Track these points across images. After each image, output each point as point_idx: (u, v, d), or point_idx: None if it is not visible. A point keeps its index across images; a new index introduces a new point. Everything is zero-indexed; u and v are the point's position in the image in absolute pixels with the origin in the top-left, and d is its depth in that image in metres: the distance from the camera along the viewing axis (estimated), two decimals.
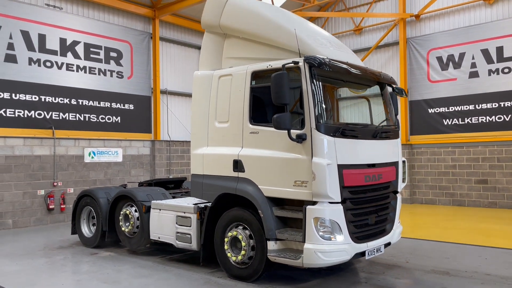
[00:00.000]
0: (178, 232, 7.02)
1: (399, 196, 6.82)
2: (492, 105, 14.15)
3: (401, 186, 6.87)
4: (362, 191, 5.99)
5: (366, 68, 6.71)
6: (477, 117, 14.44)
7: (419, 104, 15.70)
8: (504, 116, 13.90)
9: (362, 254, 5.90)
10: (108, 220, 8.37)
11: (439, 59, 15.28)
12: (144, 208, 7.66)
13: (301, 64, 5.69)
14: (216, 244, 6.51)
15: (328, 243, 5.51)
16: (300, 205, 5.78)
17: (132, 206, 8.04)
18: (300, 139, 5.59)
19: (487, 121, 14.23)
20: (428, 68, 15.55)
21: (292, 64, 5.71)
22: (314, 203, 5.56)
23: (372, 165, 6.19)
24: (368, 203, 6.11)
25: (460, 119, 14.78)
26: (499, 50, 14.05)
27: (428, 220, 11.68)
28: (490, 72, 14.22)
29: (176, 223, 7.05)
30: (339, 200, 5.60)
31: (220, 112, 6.68)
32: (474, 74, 14.53)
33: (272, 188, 5.93)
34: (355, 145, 5.98)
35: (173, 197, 8.24)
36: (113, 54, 14.06)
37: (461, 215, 12.65)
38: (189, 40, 16.57)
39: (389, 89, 7.14)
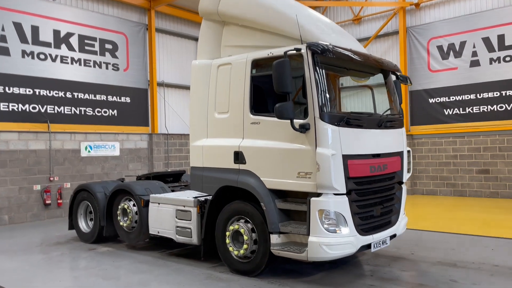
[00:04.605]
0: (178, 226, 6.84)
1: (404, 186, 6.65)
2: (493, 94, 13.97)
3: (406, 176, 6.71)
4: (367, 182, 5.82)
5: (370, 55, 6.51)
6: (478, 107, 14.26)
7: (420, 94, 15.50)
8: (506, 105, 13.73)
9: (368, 246, 5.74)
10: (105, 215, 8.18)
11: (440, 48, 15.07)
12: (143, 202, 7.48)
13: (303, 51, 5.49)
14: (217, 238, 6.35)
15: (333, 236, 5.35)
16: (303, 197, 5.61)
17: (130, 200, 7.86)
18: (304, 128, 5.40)
19: (489, 110, 14.06)
20: (428, 57, 15.34)
21: (294, 51, 5.50)
22: (318, 195, 5.39)
23: (377, 155, 6.02)
24: (373, 194, 5.95)
25: (461, 108, 14.59)
26: (501, 38, 13.84)
27: (430, 211, 11.55)
28: (491, 60, 14.03)
29: (176, 217, 6.87)
30: (344, 192, 5.43)
31: (220, 102, 6.48)
32: (475, 63, 14.33)
33: (275, 180, 5.75)
34: (360, 134, 5.80)
35: (172, 191, 8.06)
36: (108, 46, 13.79)
37: (463, 205, 12.53)
38: (186, 32, 16.28)
39: (393, 77, 6.96)
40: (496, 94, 13.93)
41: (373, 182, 5.92)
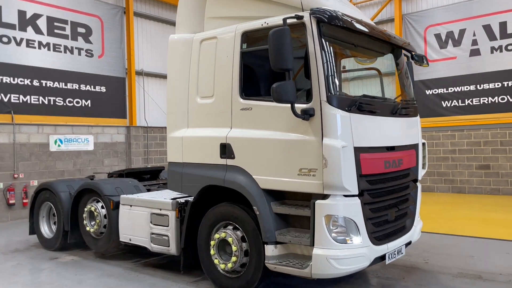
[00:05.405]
0: (153, 233, 5.76)
1: (419, 185, 5.70)
2: (494, 85, 13.15)
3: (421, 173, 5.75)
4: (382, 180, 4.83)
5: (382, 29, 5.51)
6: (478, 98, 13.43)
7: (416, 85, 14.46)
8: (508, 96, 12.93)
9: (382, 258, 4.76)
10: (70, 218, 7.04)
11: (438, 36, 14.20)
12: (112, 204, 6.37)
13: (306, 19, 4.45)
14: (200, 248, 5.28)
15: (342, 247, 4.34)
16: (305, 199, 4.62)
17: (98, 201, 6.74)
18: (307, 115, 4.37)
19: (489, 102, 13.24)
20: (425, 46, 14.47)
21: (295, 20, 4.46)
22: (324, 196, 4.37)
23: (391, 148, 5.03)
24: (388, 195, 4.96)
25: (460, 100, 13.76)
26: (502, 25, 13.02)
27: (431, 210, 10.65)
28: (492, 49, 13.21)
29: (151, 222, 5.79)
30: (356, 193, 4.42)
31: (203, 84, 5.40)
32: (475, 52, 13.48)
33: (270, 178, 4.71)
34: (373, 123, 4.80)
35: (148, 190, 6.97)
36: (81, 30, 12.52)
37: (464, 203, 11.73)
38: (167, 16, 15.06)
39: (405, 57, 6.01)
40: (498, 85, 13.12)
41: (387, 180, 4.93)
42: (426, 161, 5.90)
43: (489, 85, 13.25)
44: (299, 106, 4.39)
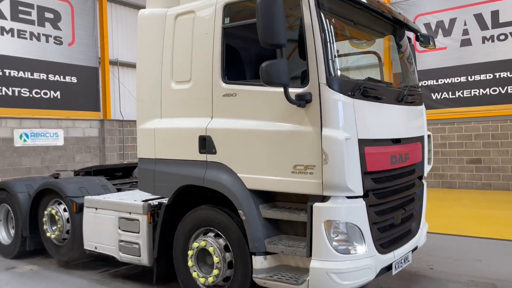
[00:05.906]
0: (121, 241, 4.97)
1: (425, 183, 5.06)
2: (486, 76, 12.69)
3: (427, 169, 5.11)
4: (388, 178, 4.16)
5: (385, 3, 4.84)
6: (469, 90, 12.95)
7: None
8: (500, 88, 12.48)
9: (388, 268, 4.10)
10: (29, 223, 6.19)
11: (427, 26, 13.65)
12: (75, 207, 5.54)
13: None
14: (176, 258, 4.53)
15: (345, 259, 3.65)
16: (300, 201, 3.92)
17: (60, 203, 5.90)
18: (303, 100, 3.64)
19: (481, 94, 12.77)
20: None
21: None
22: (323, 198, 3.67)
23: (397, 141, 4.37)
24: (394, 195, 4.29)
25: (450, 92, 13.26)
26: (494, 14, 12.54)
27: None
28: (484, 39, 12.72)
29: (119, 228, 5.00)
30: (361, 193, 3.73)
31: (179, 67, 4.62)
32: (466, 42, 12.99)
33: (259, 176, 3.97)
34: (378, 111, 4.11)
35: (119, 190, 6.16)
36: (48, 15, 11.56)
37: (457, 199, 11.28)
38: (144, 2, 14.11)
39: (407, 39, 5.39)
40: (489, 76, 12.66)
41: (393, 178, 4.26)
42: (431, 155, 5.26)
43: (480, 77, 12.79)
44: (293, 91, 3.66)
